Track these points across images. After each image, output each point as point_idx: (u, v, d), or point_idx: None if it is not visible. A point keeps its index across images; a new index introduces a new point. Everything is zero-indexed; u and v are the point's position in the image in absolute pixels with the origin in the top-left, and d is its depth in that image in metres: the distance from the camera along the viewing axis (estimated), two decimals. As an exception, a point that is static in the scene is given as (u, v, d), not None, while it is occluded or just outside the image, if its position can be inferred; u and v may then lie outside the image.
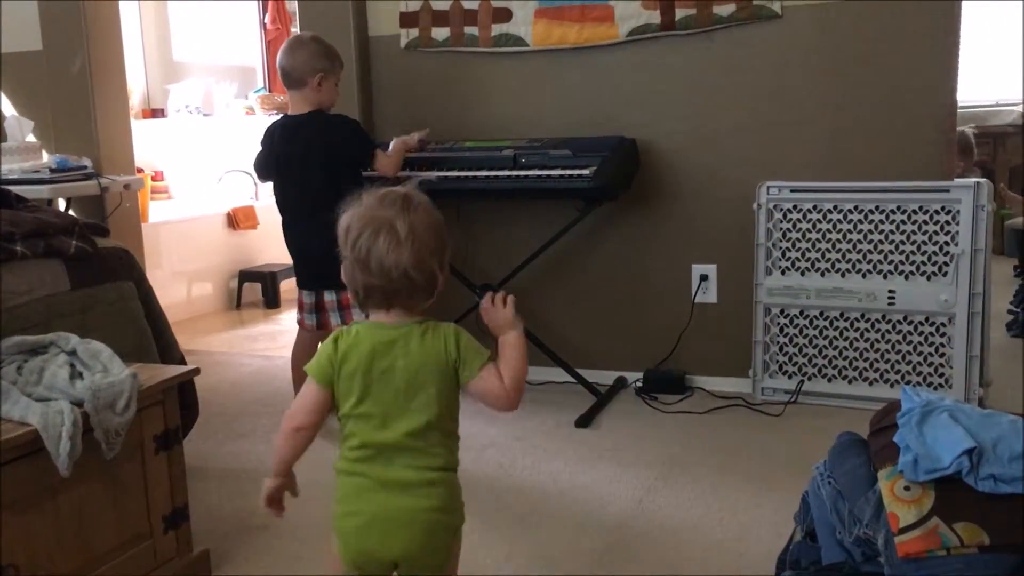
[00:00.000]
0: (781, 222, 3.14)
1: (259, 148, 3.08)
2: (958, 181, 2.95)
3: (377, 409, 1.48)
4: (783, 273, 3.16)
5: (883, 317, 3.04)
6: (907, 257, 3.00)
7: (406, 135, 3.21)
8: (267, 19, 6.37)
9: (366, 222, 1.47)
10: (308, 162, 2.93)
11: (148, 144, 5.65)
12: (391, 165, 3.04)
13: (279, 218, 3.06)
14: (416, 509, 1.47)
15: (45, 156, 4.06)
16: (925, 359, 3.01)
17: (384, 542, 1.48)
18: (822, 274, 3.11)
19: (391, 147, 3.10)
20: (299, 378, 3.17)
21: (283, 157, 2.97)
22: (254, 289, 5.30)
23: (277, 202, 3.06)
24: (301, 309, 3.05)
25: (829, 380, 3.14)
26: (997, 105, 5.85)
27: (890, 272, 3.03)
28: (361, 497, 1.49)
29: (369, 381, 1.48)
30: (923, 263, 2.98)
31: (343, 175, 2.93)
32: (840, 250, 3.08)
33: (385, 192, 1.51)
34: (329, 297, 2.97)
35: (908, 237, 2.99)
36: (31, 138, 4.09)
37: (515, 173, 3.09)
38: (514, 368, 1.52)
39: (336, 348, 1.50)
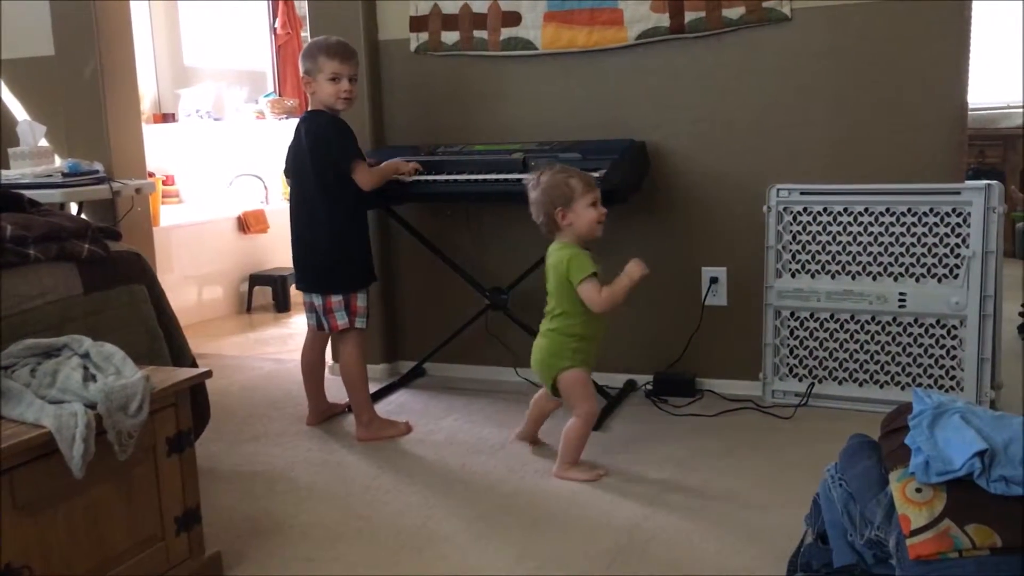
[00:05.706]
0: (791, 224, 3.14)
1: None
2: (969, 183, 2.94)
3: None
4: (793, 276, 3.16)
5: (894, 320, 3.04)
6: (918, 259, 3.00)
7: (404, 161, 3.14)
8: (277, 24, 6.40)
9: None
10: (302, 164, 2.95)
11: (159, 148, 5.67)
12: (369, 181, 2.96)
13: (288, 222, 3.07)
14: (539, 346, 2.68)
15: (57, 160, 4.08)
16: (936, 362, 3.00)
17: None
18: (832, 277, 3.10)
19: (382, 165, 3.07)
20: (309, 380, 3.18)
21: (288, 158, 3.03)
22: (264, 293, 5.32)
23: None
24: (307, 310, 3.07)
25: (840, 383, 3.13)
26: (1007, 107, 5.82)
27: (901, 275, 3.02)
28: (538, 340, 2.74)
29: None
30: (934, 265, 2.98)
31: (331, 179, 2.92)
32: (850, 252, 3.08)
33: (541, 172, 2.66)
34: (317, 301, 2.98)
35: (919, 239, 2.99)
36: (43, 143, 4.11)
37: (525, 176, 3.09)
38: (613, 291, 2.57)
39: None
